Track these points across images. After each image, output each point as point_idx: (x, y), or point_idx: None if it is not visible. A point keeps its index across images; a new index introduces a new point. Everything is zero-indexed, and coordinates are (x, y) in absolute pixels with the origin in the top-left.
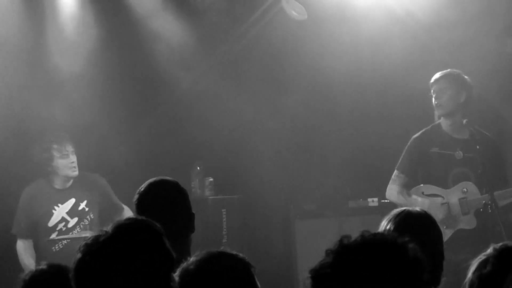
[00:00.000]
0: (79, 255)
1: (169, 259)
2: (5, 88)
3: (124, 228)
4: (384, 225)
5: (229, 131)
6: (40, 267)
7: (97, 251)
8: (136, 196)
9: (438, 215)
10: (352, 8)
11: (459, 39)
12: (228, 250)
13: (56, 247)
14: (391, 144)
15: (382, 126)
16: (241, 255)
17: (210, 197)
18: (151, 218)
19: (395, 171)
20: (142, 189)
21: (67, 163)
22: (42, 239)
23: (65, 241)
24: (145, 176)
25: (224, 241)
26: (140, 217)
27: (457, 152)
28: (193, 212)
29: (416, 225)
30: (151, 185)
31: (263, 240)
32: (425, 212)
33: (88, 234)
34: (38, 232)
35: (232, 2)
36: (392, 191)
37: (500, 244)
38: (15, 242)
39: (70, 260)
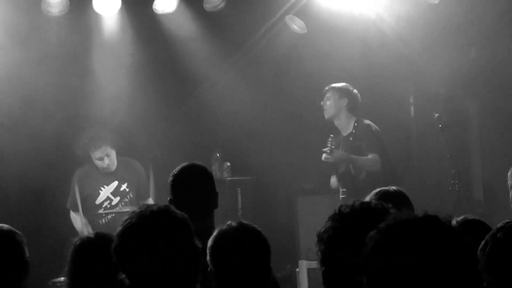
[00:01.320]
0: (118, 232)
1: (184, 231)
2: (61, 90)
3: (155, 213)
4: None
5: (243, 124)
6: (88, 235)
7: (127, 235)
8: (171, 178)
9: None
10: (344, 23)
11: (431, 48)
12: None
13: (103, 220)
14: None
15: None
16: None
17: (228, 179)
18: (184, 196)
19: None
20: (176, 172)
21: (102, 164)
22: (91, 213)
23: (109, 216)
24: (176, 160)
25: (239, 214)
26: (166, 206)
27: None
28: (217, 191)
29: (393, 198)
30: (183, 168)
31: (271, 213)
32: (399, 189)
33: (128, 209)
34: (87, 207)
35: (245, 19)
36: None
37: (461, 217)
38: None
39: (115, 231)
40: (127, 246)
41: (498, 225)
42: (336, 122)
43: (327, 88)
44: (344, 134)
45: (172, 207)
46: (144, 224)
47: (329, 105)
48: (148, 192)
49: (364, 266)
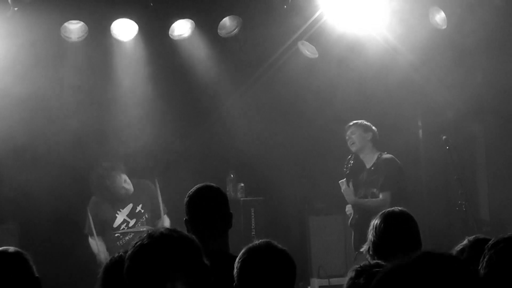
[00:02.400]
0: (128, 255)
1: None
2: (80, 116)
3: (164, 235)
4: (374, 222)
5: (256, 146)
6: (118, 253)
7: (136, 259)
8: (186, 199)
9: None
10: (355, 48)
11: (439, 72)
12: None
13: (120, 242)
14: None
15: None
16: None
17: (241, 199)
18: (199, 216)
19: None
20: (192, 193)
21: (118, 190)
22: (109, 236)
23: (127, 237)
24: (191, 181)
25: (253, 234)
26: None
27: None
28: (231, 212)
29: (399, 218)
30: (199, 189)
31: (283, 233)
32: (404, 210)
33: (145, 228)
34: (105, 231)
35: (258, 45)
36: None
37: (473, 236)
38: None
39: None
40: (138, 268)
41: (496, 239)
42: (361, 155)
43: (350, 124)
44: (368, 166)
45: (179, 229)
46: (154, 245)
47: (356, 138)
48: (161, 210)
49: None
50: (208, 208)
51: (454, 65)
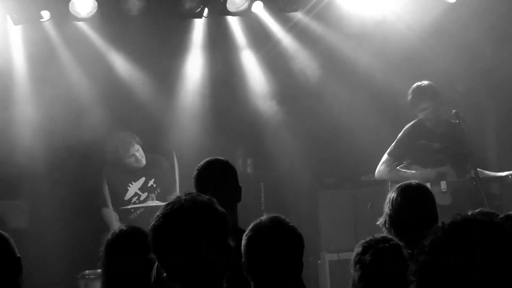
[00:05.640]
0: (156, 220)
1: (223, 225)
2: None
3: (188, 202)
4: (390, 196)
5: (266, 119)
6: (123, 228)
7: (168, 217)
8: (195, 172)
9: None
10: (362, 23)
11: (448, 46)
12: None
13: (132, 216)
14: (391, 136)
15: (384, 121)
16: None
17: (251, 173)
18: (208, 189)
19: (386, 156)
20: (201, 166)
21: (132, 162)
22: (120, 209)
23: (138, 211)
24: (201, 156)
25: (262, 208)
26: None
27: (436, 144)
28: (240, 185)
29: (415, 192)
30: (207, 162)
31: (293, 207)
32: (420, 183)
33: (156, 203)
34: (116, 203)
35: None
36: (383, 171)
37: (478, 210)
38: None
39: (144, 225)
40: (167, 229)
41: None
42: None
43: (434, 89)
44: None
45: (216, 202)
46: (185, 211)
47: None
48: (175, 186)
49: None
50: (216, 181)
51: (464, 39)
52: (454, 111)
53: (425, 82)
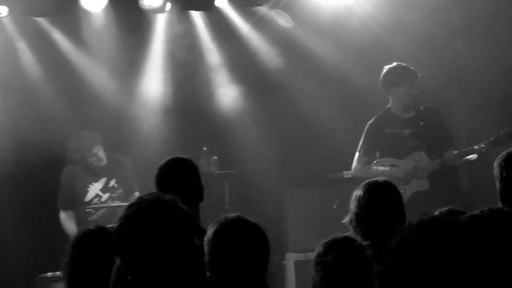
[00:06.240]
0: (120, 221)
1: (188, 223)
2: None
3: (152, 202)
4: (357, 193)
5: (230, 117)
6: (89, 227)
7: (132, 218)
8: (157, 170)
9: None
10: (330, 16)
11: (419, 40)
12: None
13: (92, 217)
14: (360, 130)
15: (352, 116)
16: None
17: (215, 172)
18: (169, 188)
19: (357, 154)
20: (162, 165)
21: (94, 161)
22: (80, 211)
23: (99, 212)
24: (163, 155)
25: (226, 208)
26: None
27: (405, 130)
28: (202, 185)
29: (382, 190)
30: (169, 161)
31: (258, 207)
32: (387, 180)
33: (117, 203)
34: (77, 204)
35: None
36: (357, 169)
37: (446, 208)
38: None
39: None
40: (132, 230)
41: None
42: (400, 106)
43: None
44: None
45: (179, 201)
46: (149, 211)
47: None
48: (134, 185)
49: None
50: (177, 181)
51: (434, 32)
52: (422, 107)
53: (395, 63)
